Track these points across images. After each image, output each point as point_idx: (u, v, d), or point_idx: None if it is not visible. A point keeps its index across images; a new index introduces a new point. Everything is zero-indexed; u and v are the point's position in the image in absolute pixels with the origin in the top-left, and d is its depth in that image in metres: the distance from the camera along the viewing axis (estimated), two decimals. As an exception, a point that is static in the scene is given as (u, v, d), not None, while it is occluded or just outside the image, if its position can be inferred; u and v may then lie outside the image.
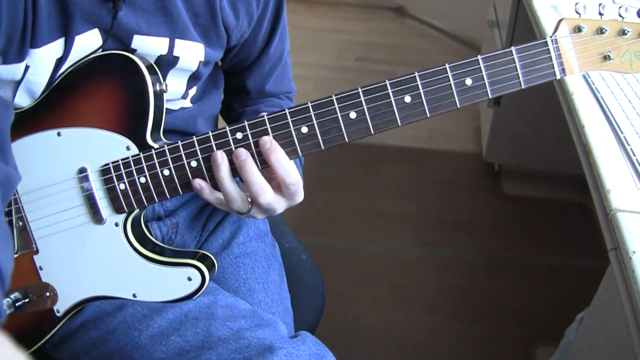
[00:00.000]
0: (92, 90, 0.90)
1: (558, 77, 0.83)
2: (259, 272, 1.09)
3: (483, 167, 2.77)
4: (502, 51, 0.81)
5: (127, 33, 0.90)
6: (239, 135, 0.87)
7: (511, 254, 2.33)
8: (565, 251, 2.33)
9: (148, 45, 0.92)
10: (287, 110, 0.85)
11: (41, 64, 0.87)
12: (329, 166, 2.75)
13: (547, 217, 2.51)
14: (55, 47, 0.87)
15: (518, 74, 0.82)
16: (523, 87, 0.82)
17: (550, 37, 0.83)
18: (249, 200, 0.88)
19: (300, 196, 0.90)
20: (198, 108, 1.07)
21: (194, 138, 0.87)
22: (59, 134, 0.91)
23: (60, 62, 0.89)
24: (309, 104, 0.84)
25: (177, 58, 0.95)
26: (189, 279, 0.93)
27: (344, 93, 0.84)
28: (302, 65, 3.61)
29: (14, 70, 0.86)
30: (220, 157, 0.86)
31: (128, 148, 0.89)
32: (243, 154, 0.86)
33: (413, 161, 2.83)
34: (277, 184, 0.87)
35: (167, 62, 0.94)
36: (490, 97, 0.83)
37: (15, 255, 0.94)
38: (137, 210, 0.92)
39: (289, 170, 0.86)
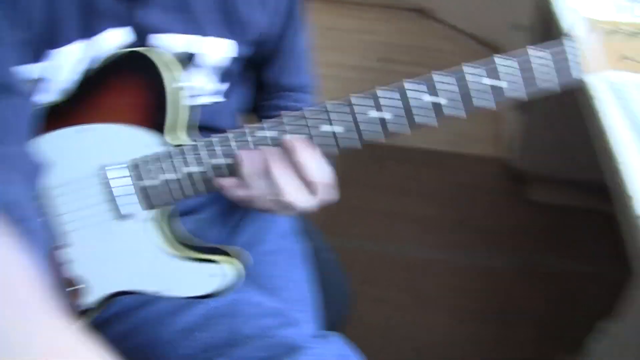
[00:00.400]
0: (114, 87, 0.91)
1: (576, 77, 0.82)
2: (286, 270, 1.09)
3: (507, 172, 2.74)
4: (518, 51, 0.81)
5: (148, 31, 0.90)
6: (272, 133, 0.87)
7: (533, 260, 2.31)
8: (587, 259, 2.30)
9: (170, 43, 0.92)
10: (305, 110, 0.86)
11: (61, 64, 0.87)
12: (351, 166, 2.75)
13: (570, 223, 2.47)
14: (76, 47, 0.87)
15: (534, 74, 0.81)
16: (539, 87, 0.82)
17: (568, 36, 0.81)
18: (276, 198, 0.88)
19: (327, 195, 0.90)
20: (228, 103, 1.06)
21: (217, 136, 0.88)
22: (81, 130, 0.91)
23: (81, 61, 0.89)
24: (326, 103, 0.85)
25: (198, 55, 0.95)
26: (217, 275, 0.93)
27: (362, 93, 0.84)
28: (324, 64, 3.59)
29: (34, 70, 0.86)
30: (245, 155, 0.87)
31: (150, 145, 0.90)
32: (267, 152, 0.86)
33: (436, 164, 2.81)
34: (307, 183, 0.87)
35: (189, 60, 0.94)
36: (506, 97, 0.82)
37: None
38: (163, 206, 0.92)
39: (318, 168, 0.86)
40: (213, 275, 0.93)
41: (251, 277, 1.06)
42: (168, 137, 0.90)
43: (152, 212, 0.93)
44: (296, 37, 1.10)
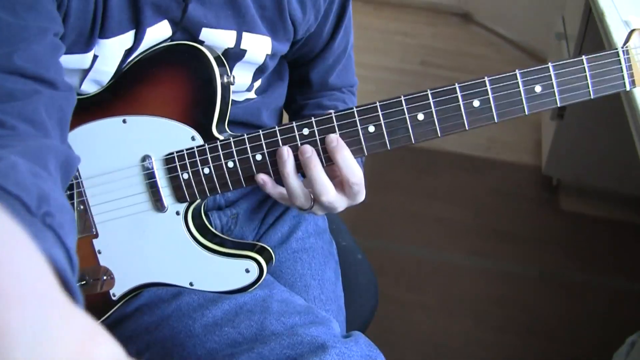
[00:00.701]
0: (160, 79, 0.91)
1: (628, 88, 0.81)
2: (316, 269, 1.09)
3: (541, 180, 2.72)
4: (572, 60, 0.80)
5: (195, 26, 0.91)
6: (306, 131, 0.86)
7: (563, 270, 2.29)
8: (618, 272, 2.28)
9: (216, 38, 0.92)
10: (354, 109, 0.85)
11: (110, 54, 0.88)
12: (386, 168, 2.75)
13: (602, 236, 2.45)
14: (125, 39, 0.88)
15: (588, 83, 0.80)
16: (592, 97, 0.81)
17: (622, 47, 0.81)
18: (312, 197, 0.88)
19: (362, 196, 0.89)
20: (263, 100, 1.07)
21: (260, 132, 0.87)
22: (124, 121, 0.92)
23: (129, 52, 0.90)
24: (377, 104, 0.84)
25: (244, 51, 0.95)
26: (247, 270, 0.93)
27: (413, 94, 0.83)
28: (365, 65, 3.61)
29: (81, 60, 0.87)
30: (287, 152, 0.86)
31: (193, 138, 0.90)
32: (309, 150, 0.86)
33: (471, 169, 2.80)
34: (340, 183, 0.87)
35: (234, 55, 0.95)
36: (558, 105, 0.81)
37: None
38: (198, 200, 0.93)
39: (353, 169, 0.85)
40: (241, 271, 0.94)
41: (281, 275, 1.07)
42: (209, 132, 0.90)
43: (186, 205, 0.93)
44: (345, 37, 1.10)
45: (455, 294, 2.19)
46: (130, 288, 0.97)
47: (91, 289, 0.97)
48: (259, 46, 0.96)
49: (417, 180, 2.73)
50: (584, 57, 0.80)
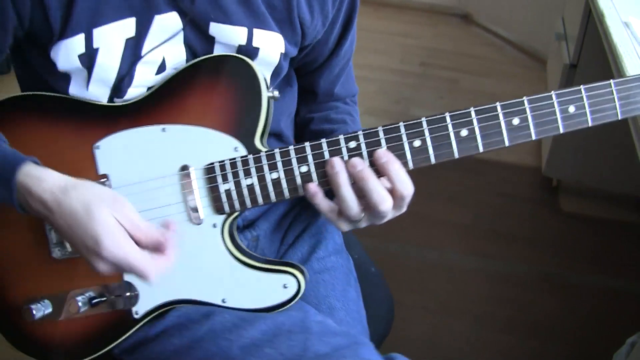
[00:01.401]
0: (203, 89, 0.90)
1: None
2: (339, 290, 1.07)
3: (541, 181, 2.73)
4: (602, 83, 0.84)
5: (204, 19, 0.89)
6: (352, 144, 0.86)
7: (563, 271, 2.30)
8: (618, 272, 2.28)
9: (226, 34, 0.91)
10: (401, 124, 0.85)
11: (110, 43, 0.87)
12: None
13: (603, 236, 2.45)
14: (124, 26, 0.86)
15: (616, 105, 0.85)
16: (620, 118, 0.86)
17: None
18: (368, 209, 0.86)
19: (405, 207, 0.89)
20: (280, 106, 1.05)
21: (306, 144, 0.87)
22: (163, 130, 0.90)
23: (134, 44, 0.88)
24: (423, 119, 0.85)
25: (257, 49, 0.94)
26: (285, 286, 0.91)
27: (457, 111, 0.86)
28: (366, 67, 3.62)
29: (75, 46, 0.86)
30: (339, 162, 0.85)
31: (236, 149, 0.89)
32: (360, 163, 0.84)
33: (471, 170, 2.80)
34: (398, 195, 0.86)
35: (247, 54, 0.93)
36: (590, 125, 0.87)
37: None
38: (236, 213, 0.91)
39: (406, 182, 0.85)
40: (279, 286, 0.91)
41: (304, 298, 1.02)
42: (251, 144, 0.89)
43: (224, 218, 0.91)
44: (350, 47, 1.10)
45: (456, 294, 2.19)
46: (156, 306, 0.93)
47: (110, 306, 0.93)
48: (271, 44, 0.95)
49: (418, 181, 2.72)
50: (612, 82, 0.85)
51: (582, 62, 2.26)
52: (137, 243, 0.81)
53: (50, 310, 0.93)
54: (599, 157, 2.45)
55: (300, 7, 0.95)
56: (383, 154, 0.84)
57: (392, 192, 0.85)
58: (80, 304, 0.91)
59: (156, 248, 0.82)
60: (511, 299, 2.17)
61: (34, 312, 0.92)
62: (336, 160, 0.85)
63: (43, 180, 0.80)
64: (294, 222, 1.12)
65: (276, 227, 1.11)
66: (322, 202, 0.87)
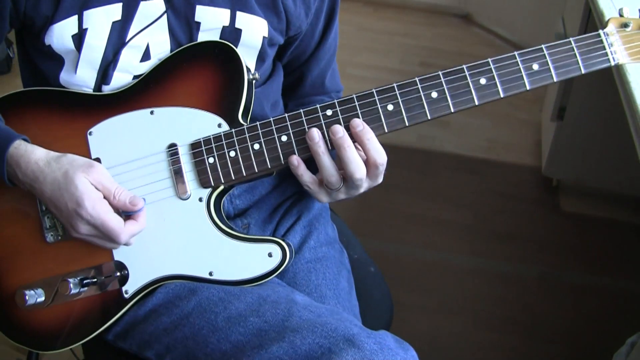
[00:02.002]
0: (188, 73, 0.96)
1: (612, 63, 0.92)
2: (330, 279, 1.08)
3: (541, 181, 2.73)
4: (562, 41, 0.92)
5: (189, 3, 0.95)
6: (329, 112, 0.92)
7: (563, 271, 2.30)
8: (618, 273, 2.28)
9: (211, 16, 0.96)
10: (374, 90, 0.91)
11: (97, 25, 0.92)
12: (386, 169, 2.76)
13: (602, 236, 2.45)
14: (112, 10, 0.92)
15: (577, 60, 0.91)
16: (583, 72, 0.92)
17: (602, 30, 0.92)
18: (347, 177, 0.92)
19: (381, 177, 0.94)
20: (263, 91, 1.09)
21: (286, 115, 0.93)
22: (152, 113, 0.96)
23: (121, 27, 0.94)
24: (395, 84, 0.92)
25: (239, 31, 0.98)
26: (270, 255, 0.94)
27: (426, 75, 0.92)
28: (366, 66, 3.62)
29: (69, 26, 0.92)
30: (317, 133, 0.90)
31: (219, 125, 0.95)
32: (340, 130, 0.90)
33: (471, 170, 2.80)
34: (374, 164, 0.91)
35: (230, 35, 0.98)
36: (555, 80, 0.92)
37: None
38: (221, 187, 0.95)
39: (379, 150, 0.90)
40: (264, 255, 0.94)
41: (296, 286, 1.05)
42: (235, 120, 0.94)
43: (209, 192, 0.95)
44: (334, 39, 1.14)
45: (456, 294, 2.19)
46: (146, 283, 0.96)
47: (102, 287, 0.96)
48: (254, 27, 0.99)
49: (418, 182, 2.73)
50: (571, 39, 0.92)
51: (582, 62, 2.26)
52: (111, 205, 0.90)
53: (42, 299, 0.96)
54: (599, 157, 2.45)
55: None
56: (357, 123, 0.90)
57: (367, 161, 0.91)
58: (71, 285, 0.94)
59: (128, 212, 0.92)
60: (511, 299, 2.17)
61: (27, 297, 0.95)
62: (315, 131, 0.91)
63: (30, 153, 0.90)
64: (285, 215, 1.14)
65: (268, 217, 1.13)
66: (304, 172, 0.93)
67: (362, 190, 0.94)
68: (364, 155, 0.92)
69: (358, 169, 0.90)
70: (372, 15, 4.45)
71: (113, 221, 0.89)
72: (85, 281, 0.95)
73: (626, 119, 1.21)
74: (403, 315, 2.07)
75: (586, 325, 2.06)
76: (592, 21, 2.12)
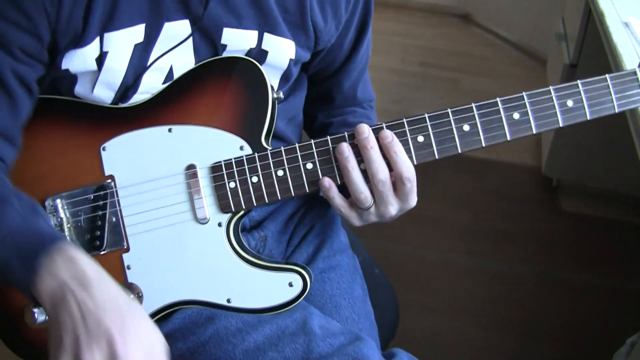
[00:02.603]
0: (209, 90, 0.91)
1: None
2: (345, 288, 1.07)
3: (541, 181, 2.73)
4: (598, 78, 0.88)
5: (216, 25, 0.90)
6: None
7: (563, 271, 2.30)
8: (618, 272, 2.28)
9: (238, 38, 0.92)
10: (404, 120, 0.88)
11: (119, 48, 0.87)
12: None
13: (602, 236, 2.46)
14: (134, 33, 0.87)
15: (612, 98, 0.88)
16: (617, 111, 0.89)
17: (639, 67, 0.89)
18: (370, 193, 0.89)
19: (413, 198, 0.91)
20: (283, 107, 1.05)
21: (312, 141, 0.90)
22: (170, 130, 0.91)
23: (143, 49, 0.89)
24: (426, 115, 0.88)
25: (265, 52, 0.94)
26: (290, 284, 0.91)
27: (459, 107, 0.88)
28: (366, 67, 3.62)
29: (92, 51, 0.86)
30: (347, 148, 0.88)
31: (242, 148, 0.91)
32: (366, 131, 0.87)
33: (471, 170, 2.80)
34: (393, 183, 0.89)
35: (256, 56, 0.94)
36: (588, 118, 0.89)
37: (103, 253, 0.92)
38: (241, 212, 0.92)
39: (407, 164, 0.88)
40: (284, 285, 0.91)
41: (310, 298, 1.03)
42: (258, 143, 0.91)
43: (229, 217, 0.91)
44: (367, 51, 1.11)
45: (455, 294, 2.19)
46: (160, 307, 0.93)
47: None
48: (281, 49, 0.95)
49: (418, 182, 2.72)
50: (607, 76, 0.88)
51: (582, 62, 2.27)
52: None
53: None
54: (599, 157, 2.45)
55: (313, 11, 0.95)
56: (387, 134, 0.87)
57: (394, 175, 0.88)
58: None
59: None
60: (511, 299, 2.17)
61: (36, 315, 0.91)
62: (345, 146, 0.87)
63: (77, 259, 0.75)
64: (299, 224, 1.13)
65: (283, 228, 1.11)
66: (335, 195, 0.91)
67: (392, 210, 0.91)
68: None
69: (380, 169, 0.87)
70: (372, 15, 4.45)
71: None
72: None
73: (626, 119, 1.21)
74: (403, 315, 2.06)
75: (586, 325, 2.06)
76: (592, 21, 2.12)
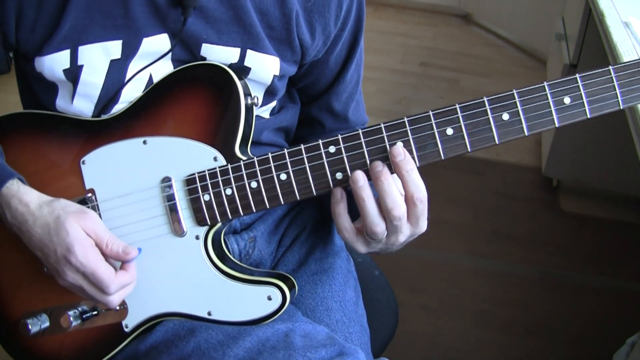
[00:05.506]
0: (181, 100, 0.89)
1: None
2: (336, 290, 1.05)
3: (541, 181, 2.73)
4: (599, 70, 0.79)
5: (195, 40, 0.89)
6: (332, 149, 0.84)
7: (563, 271, 2.30)
8: (618, 272, 2.28)
9: (217, 54, 0.91)
10: (382, 125, 0.82)
11: (94, 63, 0.88)
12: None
13: (603, 236, 2.46)
14: (110, 48, 0.87)
15: (617, 93, 0.78)
16: (622, 107, 0.79)
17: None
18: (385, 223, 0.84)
19: (424, 221, 0.85)
20: (272, 119, 1.04)
21: (285, 150, 0.85)
22: (144, 142, 0.90)
23: (120, 65, 0.89)
24: (405, 119, 0.81)
25: (248, 68, 0.93)
26: (269, 298, 0.89)
27: (441, 109, 0.81)
28: (366, 67, 3.59)
29: (60, 60, 0.87)
30: (362, 177, 0.82)
31: (215, 159, 0.88)
32: (380, 165, 0.82)
33: (471, 170, 2.80)
34: (417, 201, 0.83)
35: (237, 72, 0.91)
36: (589, 117, 0.79)
37: None
38: (219, 224, 0.90)
39: (419, 184, 0.82)
40: (263, 298, 0.89)
41: (301, 300, 1.02)
42: (231, 153, 0.87)
43: (206, 230, 0.89)
44: (357, 70, 1.07)
45: (456, 294, 2.19)
46: (145, 319, 0.93)
47: (103, 320, 0.93)
48: (264, 66, 0.93)
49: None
50: (611, 67, 0.78)
51: (582, 62, 2.27)
52: (102, 254, 0.86)
53: (47, 324, 0.94)
54: (599, 157, 2.45)
55: (300, 28, 0.93)
56: (399, 151, 0.81)
57: (405, 197, 0.82)
58: (71, 318, 0.91)
59: (120, 263, 0.87)
60: (511, 299, 2.17)
61: (30, 326, 0.92)
62: (360, 174, 0.82)
63: (23, 194, 0.86)
64: (291, 225, 1.11)
65: (274, 229, 1.10)
66: (342, 213, 0.86)
67: (402, 238, 0.86)
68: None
69: (396, 206, 0.81)
70: (372, 15, 4.45)
71: (104, 270, 0.83)
72: (85, 315, 0.92)
73: (626, 119, 1.21)
74: (403, 315, 2.06)
75: (586, 325, 2.06)
76: (592, 21, 2.12)
